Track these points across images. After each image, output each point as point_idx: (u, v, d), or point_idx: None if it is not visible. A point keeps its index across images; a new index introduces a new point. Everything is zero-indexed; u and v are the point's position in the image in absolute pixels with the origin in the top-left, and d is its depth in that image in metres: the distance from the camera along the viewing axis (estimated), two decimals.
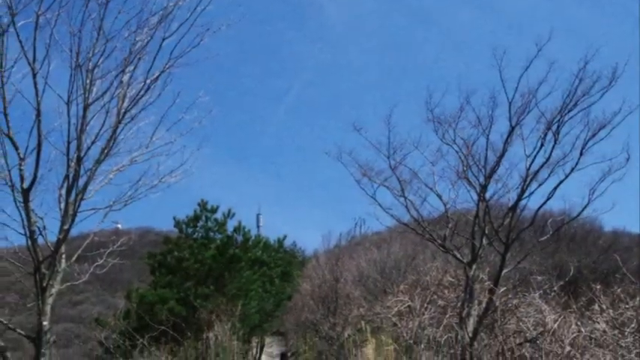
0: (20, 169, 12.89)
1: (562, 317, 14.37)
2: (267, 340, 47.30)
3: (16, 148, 12.84)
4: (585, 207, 16.23)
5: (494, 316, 16.76)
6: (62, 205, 13.58)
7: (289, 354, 34.80)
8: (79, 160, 13.21)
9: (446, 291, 20.21)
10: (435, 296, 19.92)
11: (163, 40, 13.73)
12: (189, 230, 28.71)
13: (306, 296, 40.06)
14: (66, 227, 13.44)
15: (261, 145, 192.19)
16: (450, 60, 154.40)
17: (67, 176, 13.43)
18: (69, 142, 13.19)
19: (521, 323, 16.07)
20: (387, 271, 39.66)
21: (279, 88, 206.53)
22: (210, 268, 27.16)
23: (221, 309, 22.38)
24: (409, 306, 19.68)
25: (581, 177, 16.13)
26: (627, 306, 14.27)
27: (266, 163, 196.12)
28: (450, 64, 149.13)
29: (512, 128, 16.80)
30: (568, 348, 13.35)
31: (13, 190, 13.01)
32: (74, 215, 13.51)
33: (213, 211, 28.76)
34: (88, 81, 13.38)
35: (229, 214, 29.15)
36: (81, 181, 13.53)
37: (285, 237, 44.16)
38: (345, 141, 22.14)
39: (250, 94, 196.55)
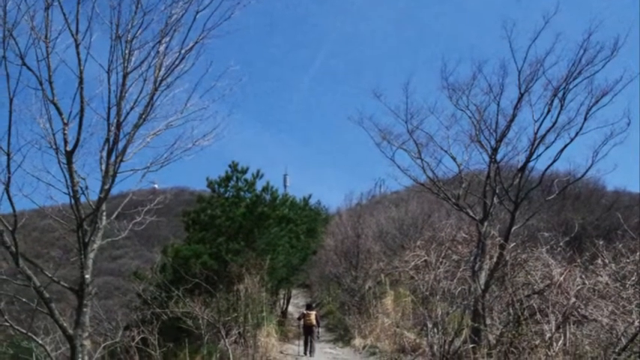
0: (64, 133, 13.06)
1: (567, 271, 14.45)
2: (294, 291, 47.64)
3: (60, 114, 13.00)
4: (589, 168, 16.35)
5: (504, 269, 16.87)
6: (103, 167, 13.78)
7: (314, 305, 35.01)
8: (119, 124, 13.36)
9: (459, 246, 20.32)
10: (450, 251, 20.03)
11: (197, 13, 13.82)
12: (221, 190, 28.87)
13: (329, 251, 40.38)
14: (106, 187, 13.64)
15: (287, 110, 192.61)
16: (464, 31, 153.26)
17: (107, 140, 13.60)
18: (109, 108, 13.34)
19: (529, 276, 16.16)
20: (405, 227, 39.79)
21: (305, 58, 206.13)
22: (241, 225, 27.36)
23: (250, 263, 22.60)
24: (425, 260, 19.81)
25: (585, 140, 16.26)
26: (628, 260, 14.32)
27: (292, 128, 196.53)
28: (464, 35, 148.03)
29: (521, 95, 16.84)
30: (573, 299, 13.44)
31: (57, 153, 13.21)
32: (114, 176, 13.70)
33: (243, 172, 28.87)
34: (127, 51, 13.50)
35: (258, 175, 29.27)
36: (120, 144, 13.71)
37: (310, 196, 44.22)
38: (365, 107, 21.96)
39: (277, 63, 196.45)
